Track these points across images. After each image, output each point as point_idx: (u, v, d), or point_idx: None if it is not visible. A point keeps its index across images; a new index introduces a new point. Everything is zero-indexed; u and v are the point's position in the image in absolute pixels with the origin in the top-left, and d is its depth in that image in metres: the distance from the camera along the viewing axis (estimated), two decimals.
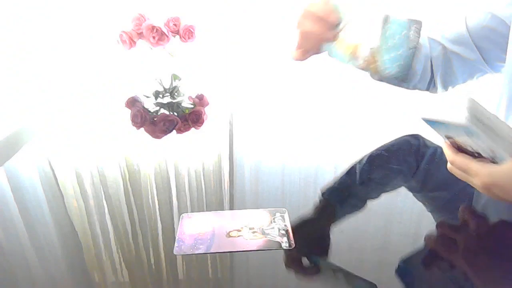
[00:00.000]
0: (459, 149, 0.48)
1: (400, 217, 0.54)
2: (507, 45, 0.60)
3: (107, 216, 0.55)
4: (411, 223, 0.53)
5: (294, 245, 0.47)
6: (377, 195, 0.59)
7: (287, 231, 0.49)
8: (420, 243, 0.48)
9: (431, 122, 0.48)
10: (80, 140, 0.82)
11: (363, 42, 0.62)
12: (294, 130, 0.85)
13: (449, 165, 0.49)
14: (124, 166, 0.68)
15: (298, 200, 0.59)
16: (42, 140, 0.83)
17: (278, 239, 0.48)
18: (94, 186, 0.63)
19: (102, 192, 0.61)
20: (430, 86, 0.74)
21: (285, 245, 0.47)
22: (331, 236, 0.51)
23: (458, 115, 0.42)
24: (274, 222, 0.51)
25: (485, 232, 0.49)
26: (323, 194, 0.59)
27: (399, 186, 0.62)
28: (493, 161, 0.45)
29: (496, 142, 0.42)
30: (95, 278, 0.46)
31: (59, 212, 0.57)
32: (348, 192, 0.60)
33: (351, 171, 0.64)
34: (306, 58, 0.64)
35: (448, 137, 0.48)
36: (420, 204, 0.57)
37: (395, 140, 0.73)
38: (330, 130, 0.81)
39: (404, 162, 0.68)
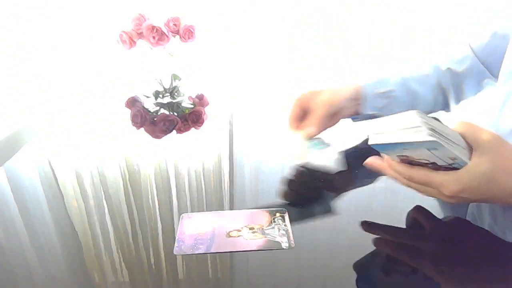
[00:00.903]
0: (411, 163, 0.47)
1: (400, 216, 0.54)
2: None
3: (107, 216, 0.55)
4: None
5: (294, 245, 0.47)
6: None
7: (287, 231, 0.49)
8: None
9: (383, 146, 0.46)
10: (80, 140, 0.82)
11: None
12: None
13: (405, 182, 0.48)
14: (124, 166, 0.68)
15: (298, 200, 0.59)
16: (42, 140, 0.84)
17: (278, 239, 0.48)
18: (94, 186, 0.63)
19: (102, 192, 0.61)
20: (443, 107, 0.76)
21: (285, 245, 0.47)
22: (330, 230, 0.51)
23: (417, 133, 0.41)
24: (274, 222, 0.51)
25: (440, 233, 0.50)
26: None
27: None
28: (451, 167, 0.44)
29: (455, 149, 0.41)
30: (95, 278, 0.46)
31: (59, 212, 0.57)
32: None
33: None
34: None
35: (400, 156, 0.47)
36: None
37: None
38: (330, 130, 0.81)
39: None
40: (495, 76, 0.69)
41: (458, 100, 0.74)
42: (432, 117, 0.43)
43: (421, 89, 0.71)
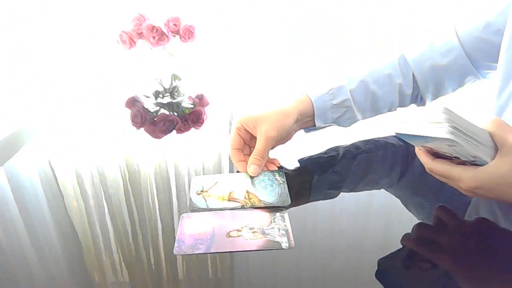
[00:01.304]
0: (435, 154, 0.48)
1: (400, 216, 0.54)
2: (497, 55, 0.59)
3: (107, 216, 0.55)
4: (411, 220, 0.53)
5: (294, 245, 0.47)
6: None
7: (287, 231, 0.49)
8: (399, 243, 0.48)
9: (407, 136, 0.47)
10: (80, 140, 0.82)
11: None
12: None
13: (427, 170, 0.49)
14: (124, 166, 0.68)
15: (299, 200, 0.59)
16: (42, 140, 0.84)
17: (278, 239, 0.48)
18: (94, 186, 0.63)
19: (102, 192, 0.61)
20: (416, 101, 0.74)
21: (285, 245, 0.47)
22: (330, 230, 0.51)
23: (438, 129, 0.41)
24: (274, 222, 0.51)
25: (461, 231, 0.49)
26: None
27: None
28: (474, 163, 0.44)
29: (476, 149, 0.42)
30: (95, 278, 0.46)
31: (59, 212, 0.57)
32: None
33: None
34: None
35: (424, 146, 0.48)
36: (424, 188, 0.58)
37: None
38: (330, 131, 0.81)
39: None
40: (477, 70, 0.66)
41: (436, 95, 0.72)
42: (460, 116, 0.42)
43: (380, 90, 0.68)
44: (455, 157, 0.46)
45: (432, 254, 0.45)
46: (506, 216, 0.50)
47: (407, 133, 0.46)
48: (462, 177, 0.44)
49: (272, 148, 0.63)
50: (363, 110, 0.70)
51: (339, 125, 0.70)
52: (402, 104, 0.72)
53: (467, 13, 0.67)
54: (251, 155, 0.60)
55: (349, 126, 0.71)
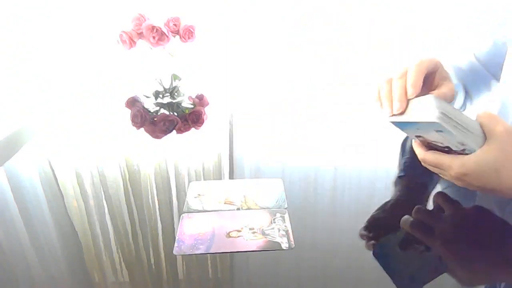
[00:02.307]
0: (429, 146, 0.50)
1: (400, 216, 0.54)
2: None
3: (107, 216, 0.55)
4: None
5: (294, 246, 0.47)
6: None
7: (287, 231, 0.49)
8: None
9: (400, 124, 0.49)
10: (80, 140, 0.82)
11: None
12: (295, 130, 0.85)
13: (420, 160, 0.51)
14: (124, 166, 0.68)
15: (299, 199, 0.59)
16: (42, 140, 0.84)
17: (278, 239, 0.48)
18: (94, 186, 0.63)
19: (102, 192, 0.61)
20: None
21: (285, 245, 0.47)
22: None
23: (427, 114, 0.43)
24: (274, 222, 0.51)
25: (459, 218, 0.51)
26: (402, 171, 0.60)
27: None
28: (463, 153, 0.46)
29: (465, 136, 0.44)
30: (95, 278, 0.46)
31: (59, 212, 0.57)
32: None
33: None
34: None
35: (418, 137, 0.49)
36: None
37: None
38: (330, 131, 0.81)
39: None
40: (497, 79, 0.70)
41: (471, 102, 0.75)
42: (450, 105, 0.44)
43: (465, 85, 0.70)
44: (446, 147, 0.47)
45: (427, 238, 0.47)
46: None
47: (399, 120, 0.48)
48: (452, 165, 0.46)
49: None
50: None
51: None
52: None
53: (481, 38, 0.71)
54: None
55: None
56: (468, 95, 0.72)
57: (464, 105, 0.75)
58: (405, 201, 0.57)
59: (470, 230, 0.49)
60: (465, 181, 0.46)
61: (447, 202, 0.54)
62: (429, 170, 0.52)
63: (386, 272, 0.43)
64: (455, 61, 0.73)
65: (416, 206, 0.52)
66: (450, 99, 0.55)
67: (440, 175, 0.50)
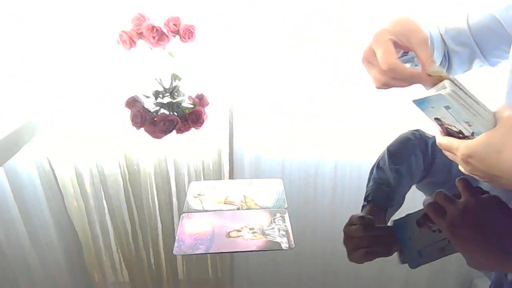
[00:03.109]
0: (447, 132, 0.51)
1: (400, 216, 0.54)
2: (504, 44, 0.62)
3: (107, 216, 0.56)
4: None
5: (294, 246, 0.47)
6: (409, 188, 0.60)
7: (287, 231, 0.49)
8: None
9: (419, 102, 0.51)
10: (80, 140, 0.82)
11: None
12: (294, 130, 0.85)
13: (437, 144, 0.52)
14: (124, 166, 0.68)
15: (299, 199, 0.59)
16: (42, 140, 0.83)
17: (278, 239, 0.48)
18: (94, 186, 0.63)
19: (102, 192, 0.61)
20: None
21: (285, 245, 0.47)
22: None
23: (438, 90, 0.45)
24: (274, 222, 0.51)
25: (475, 205, 0.51)
26: (366, 198, 0.60)
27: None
28: (473, 137, 0.48)
29: (472, 117, 0.46)
30: (95, 278, 0.46)
31: (59, 212, 0.57)
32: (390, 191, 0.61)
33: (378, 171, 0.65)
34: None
35: (437, 120, 0.51)
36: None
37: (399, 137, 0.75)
38: (330, 130, 0.81)
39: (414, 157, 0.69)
40: (484, 56, 0.70)
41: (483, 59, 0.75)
42: (464, 88, 0.46)
43: (437, 49, 0.70)
44: (461, 133, 0.49)
45: (440, 219, 0.48)
46: None
47: (416, 98, 0.50)
48: (459, 147, 0.47)
49: None
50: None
51: None
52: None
53: (478, 6, 0.71)
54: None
55: None
56: (480, 53, 0.72)
57: (470, 63, 0.75)
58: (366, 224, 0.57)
59: (484, 218, 0.49)
60: (471, 164, 0.47)
61: (467, 188, 0.54)
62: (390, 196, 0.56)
63: (399, 243, 0.47)
64: (443, 23, 0.73)
65: (437, 190, 0.53)
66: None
67: (454, 160, 0.50)
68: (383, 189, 0.62)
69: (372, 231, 0.54)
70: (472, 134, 0.47)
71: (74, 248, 0.49)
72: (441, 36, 0.73)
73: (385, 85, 0.53)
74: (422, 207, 0.51)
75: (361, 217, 0.55)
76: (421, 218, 0.52)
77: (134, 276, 0.46)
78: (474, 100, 0.46)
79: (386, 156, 0.71)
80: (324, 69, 1.16)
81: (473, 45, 0.70)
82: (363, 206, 0.60)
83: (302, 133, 0.82)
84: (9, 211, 0.57)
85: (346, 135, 0.81)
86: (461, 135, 0.49)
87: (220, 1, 1.12)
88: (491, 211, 0.51)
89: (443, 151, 0.51)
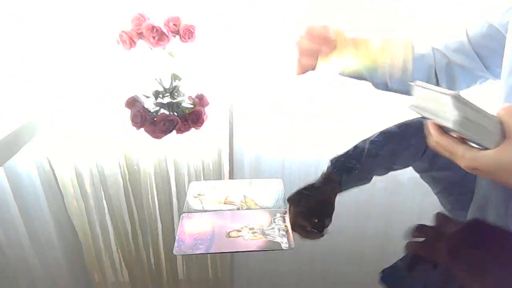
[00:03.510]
0: (444, 128, 0.49)
1: (400, 216, 0.54)
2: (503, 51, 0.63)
3: (107, 216, 0.55)
4: (412, 214, 0.53)
5: (294, 246, 0.47)
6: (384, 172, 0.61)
7: (287, 231, 0.49)
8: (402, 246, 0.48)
9: (420, 113, 0.49)
10: (80, 140, 0.82)
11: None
12: (294, 130, 0.85)
13: (431, 142, 0.50)
14: (124, 166, 0.68)
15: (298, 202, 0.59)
16: (42, 140, 0.83)
17: (278, 239, 0.48)
18: (94, 186, 0.63)
19: (102, 192, 0.61)
20: None
21: (285, 245, 0.47)
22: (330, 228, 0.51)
23: (448, 117, 0.43)
24: (274, 222, 0.51)
25: (459, 234, 0.51)
26: (331, 161, 0.60)
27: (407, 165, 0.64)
28: (478, 144, 0.46)
29: (482, 136, 0.44)
30: (95, 278, 0.46)
31: (59, 212, 0.57)
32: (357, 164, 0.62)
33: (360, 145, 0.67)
34: (305, 72, 0.72)
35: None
36: (424, 188, 0.58)
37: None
38: (330, 130, 0.81)
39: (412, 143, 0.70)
40: (488, 68, 0.70)
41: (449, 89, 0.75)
42: (469, 103, 0.43)
43: (413, 66, 0.71)
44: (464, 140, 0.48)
45: (434, 257, 0.46)
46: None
47: (420, 113, 0.48)
48: (465, 156, 0.46)
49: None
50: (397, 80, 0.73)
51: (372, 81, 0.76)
52: None
53: (476, 17, 0.72)
54: None
55: (377, 87, 0.77)
56: (445, 80, 0.73)
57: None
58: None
59: (473, 244, 0.48)
60: (475, 172, 0.47)
61: (445, 220, 0.53)
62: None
63: None
64: (444, 39, 0.74)
65: (416, 225, 0.51)
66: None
67: (449, 158, 0.49)
68: (353, 160, 0.63)
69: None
70: (477, 143, 0.46)
71: (74, 248, 0.49)
72: (434, 54, 0.74)
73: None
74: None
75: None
76: (411, 263, 0.47)
77: (134, 276, 0.46)
78: (484, 116, 0.43)
79: (382, 132, 0.71)
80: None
81: (474, 57, 0.70)
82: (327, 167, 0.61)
83: (302, 133, 0.82)
84: (9, 211, 0.57)
85: (346, 135, 0.81)
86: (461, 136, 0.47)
87: (220, 1, 1.12)
88: (481, 234, 0.50)
89: (436, 147, 0.50)
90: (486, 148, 0.45)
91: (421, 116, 0.50)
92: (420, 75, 0.74)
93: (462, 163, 0.46)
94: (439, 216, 0.53)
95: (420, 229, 0.51)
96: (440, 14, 1.12)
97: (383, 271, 0.44)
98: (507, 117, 0.44)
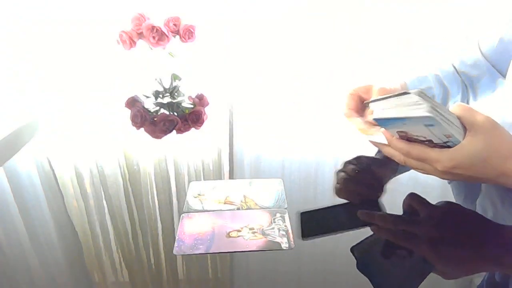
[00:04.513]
0: (409, 140, 0.50)
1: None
2: None
3: (107, 216, 0.55)
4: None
5: (294, 246, 0.47)
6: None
7: (287, 231, 0.49)
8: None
9: (385, 121, 0.49)
10: (80, 140, 0.82)
11: None
12: (294, 130, 0.85)
13: (402, 158, 0.51)
14: (124, 166, 0.68)
15: (298, 199, 0.59)
16: (42, 140, 0.84)
17: (278, 239, 0.48)
18: (94, 186, 0.63)
19: (102, 192, 0.61)
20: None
21: (285, 245, 0.47)
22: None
23: (417, 109, 0.43)
24: (274, 222, 0.51)
25: (431, 216, 0.52)
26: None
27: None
28: (446, 145, 0.47)
29: (451, 128, 0.44)
30: (95, 278, 0.46)
31: (59, 212, 0.57)
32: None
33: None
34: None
35: (399, 132, 0.49)
36: (424, 188, 0.58)
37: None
38: (330, 130, 0.81)
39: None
40: (503, 74, 0.71)
41: (475, 98, 0.76)
42: (431, 98, 0.44)
43: (451, 85, 0.73)
44: (427, 141, 0.47)
45: (408, 241, 0.47)
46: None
47: (388, 117, 0.48)
48: (440, 158, 0.46)
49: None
50: (439, 101, 0.72)
51: None
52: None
53: (486, 28, 0.72)
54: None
55: None
56: (471, 90, 0.73)
57: (465, 99, 0.76)
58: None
59: (445, 226, 0.50)
60: (453, 174, 0.47)
61: (417, 202, 0.54)
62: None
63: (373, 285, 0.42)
64: (459, 56, 0.74)
65: (384, 213, 0.53)
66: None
67: (421, 171, 0.50)
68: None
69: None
70: (445, 142, 0.46)
71: (74, 248, 0.49)
72: (456, 70, 0.74)
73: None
74: None
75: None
76: (385, 248, 0.48)
77: (134, 276, 0.46)
78: (446, 110, 0.44)
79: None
80: (324, 68, 1.16)
81: (492, 70, 0.71)
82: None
83: (302, 133, 0.82)
84: (9, 211, 0.57)
85: (346, 135, 0.80)
86: (426, 142, 0.48)
87: (220, 1, 1.12)
88: (452, 217, 0.52)
89: (406, 162, 0.50)
90: (453, 147, 0.46)
91: (386, 125, 0.50)
92: (456, 91, 0.73)
93: (439, 166, 0.47)
94: (410, 199, 0.54)
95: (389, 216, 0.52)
96: (440, 14, 1.12)
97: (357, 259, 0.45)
98: (462, 111, 0.45)
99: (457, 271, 0.45)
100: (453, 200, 0.56)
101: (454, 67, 0.75)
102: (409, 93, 0.44)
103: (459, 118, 0.46)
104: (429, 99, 0.44)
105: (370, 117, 0.61)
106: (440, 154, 0.46)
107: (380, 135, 0.53)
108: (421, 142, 0.48)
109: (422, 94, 0.43)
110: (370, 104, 0.51)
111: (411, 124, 0.46)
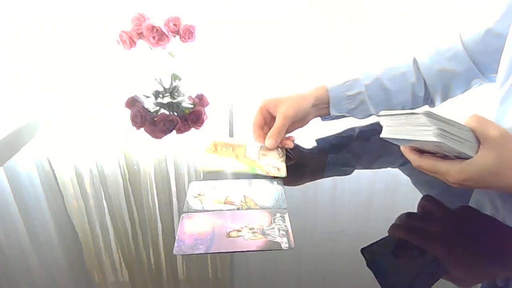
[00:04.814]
0: (421, 150, 0.50)
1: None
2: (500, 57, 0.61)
3: (107, 216, 0.55)
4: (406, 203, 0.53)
5: (294, 246, 0.47)
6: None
7: (287, 231, 0.49)
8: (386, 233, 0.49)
9: (395, 139, 0.49)
10: (80, 140, 0.82)
11: None
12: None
13: (415, 165, 0.51)
14: (124, 166, 0.68)
15: (298, 199, 0.59)
16: (42, 139, 0.84)
17: (278, 239, 0.48)
18: (94, 186, 0.63)
19: (102, 192, 0.61)
20: (427, 103, 0.76)
21: (285, 245, 0.47)
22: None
23: (425, 133, 0.44)
24: (274, 222, 0.51)
25: (447, 219, 0.52)
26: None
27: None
28: (458, 157, 0.47)
29: (461, 146, 0.44)
30: (95, 278, 0.46)
31: (59, 212, 0.57)
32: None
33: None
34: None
35: (409, 145, 0.50)
36: (424, 188, 0.58)
37: None
38: (331, 131, 0.81)
39: None
40: (483, 74, 0.69)
41: (444, 98, 0.74)
42: (441, 117, 0.44)
43: (394, 87, 0.71)
44: (443, 155, 0.48)
45: (421, 242, 0.47)
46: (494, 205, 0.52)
47: (395, 137, 0.48)
48: (450, 171, 0.46)
49: (290, 131, 0.70)
50: (377, 105, 0.72)
51: (353, 116, 0.74)
52: (415, 105, 0.75)
53: (471, 18, 0.70)
54: (270, 131, 0.66)
55: (363, 118, 0.74)
56: (440, 89, 0.72)
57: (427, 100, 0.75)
58: None
59: (460, 230, 0.49)
60: (464, 185, 0.47)
61: (434, 205, 0.54)
62: None
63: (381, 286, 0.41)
64: (435, 46, 0.72)
65: (404, 212, 0.52)
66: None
67: (436, 177, 0.50)
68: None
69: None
70: (457, 157, 0.46)
71: (74, 248, 0.49)
72: (417, 66, 0.72)
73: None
74: None
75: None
76: (396, 248, 0.47)
77: (134, 276, 0.46)
78: (457, 127, 0.44)
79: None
80: (324, 68, 1.16)
81: (470, 64, 0.69)
82: None
83: (302, 132, 0.81)
84: (9, 211, 0.57)
85: (347, 135, 0.80)
86: (438, 153, 0.48)
87: (220, 1, 1.12)
88: (468, 221, 0.51)
89: (419, 169, 0.51)
90: (466, 158, 0.45)
91: (396, 142, 0.51)
92: (403, 96, 0.72)
93: (450, 179, 0.47)
94: (426, 201, 0.54)
95: (405, 216, 0.52)
96: (435, 12, 1.12)
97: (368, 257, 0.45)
98: (475, 124, 0.45)
99: (472, 278, 0.43)
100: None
101: (417, 62, 0.72)
102: (417, 113, 0.44)
103: (472, 130, 0.45)
104: (438, 119, 0.43)
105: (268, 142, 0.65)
106: (451, 167, 0.46)
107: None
108: (433, 152, 0.49)
109: (429, 114, 0.43)
110: (380, 118, 0.51)
111: (420, 143, 0.47)
